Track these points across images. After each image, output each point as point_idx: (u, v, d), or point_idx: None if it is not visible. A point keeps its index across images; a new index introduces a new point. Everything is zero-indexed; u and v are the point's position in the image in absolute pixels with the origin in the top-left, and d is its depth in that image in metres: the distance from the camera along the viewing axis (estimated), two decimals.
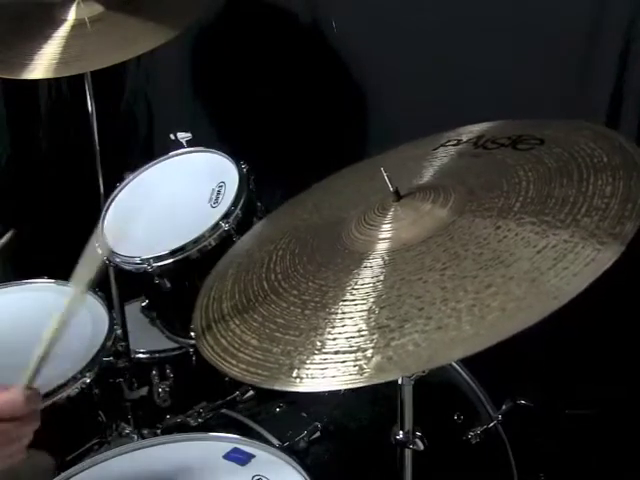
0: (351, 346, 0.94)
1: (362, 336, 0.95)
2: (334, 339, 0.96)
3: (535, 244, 0.95)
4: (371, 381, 0.90)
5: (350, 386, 0.91)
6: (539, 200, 1.02)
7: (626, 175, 1.01)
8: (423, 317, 0.93)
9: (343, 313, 0.99)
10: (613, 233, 0.93)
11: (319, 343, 0.97)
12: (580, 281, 0.89)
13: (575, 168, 1.05)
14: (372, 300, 0.99)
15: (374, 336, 0.94)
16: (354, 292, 1.01)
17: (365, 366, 0.91)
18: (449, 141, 1.25)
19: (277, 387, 0.96)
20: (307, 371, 0.94)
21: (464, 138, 1.24)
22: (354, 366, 0.92)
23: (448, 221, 1.04)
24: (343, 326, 0.97)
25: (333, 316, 0.99)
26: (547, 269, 0.91)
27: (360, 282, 1.02)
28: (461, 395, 1.62)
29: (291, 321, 1.02)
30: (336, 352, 0.94)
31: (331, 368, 0.93)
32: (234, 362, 1.02)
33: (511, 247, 0.96)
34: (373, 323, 0.95)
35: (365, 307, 0.98)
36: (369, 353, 0.92)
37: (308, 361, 0.95)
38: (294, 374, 0.95)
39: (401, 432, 1.20)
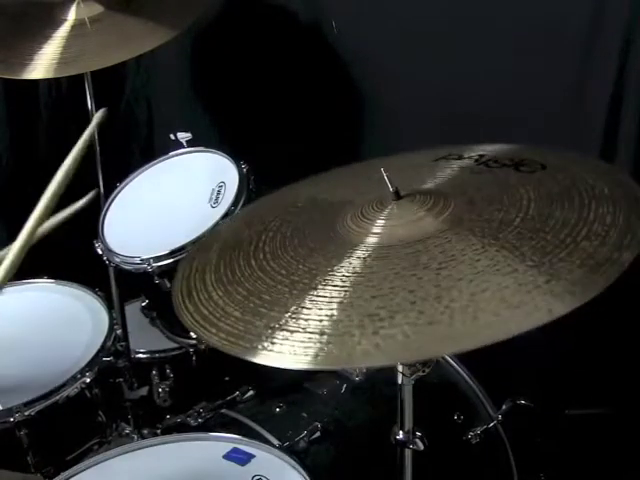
0: (337, 329, 0.95)
1: (350, 321, 0.95)
2: (321, 321, 0.97)
3: (533, 259, 0.96)
4: (355, 364, 0.91)
5: (333, 367, 0.92)
6: (540, 219, 1.03)
7: (627, 208, 1.02)
8: (415, 310, 0.94)
9: (332, 297, 1.00)
10: (611, 258, 0.94)
11: (305, 322, 0.97)
12: (574, 300, 0.90)
13: (577, 195, 1.07)
14: (363, 289, 0.99)
15: (363, 322, 0.94)
16: (344, 279, 1.02)
17: (350, 349, 0.92)
18: (450, 155, 1.26)
19: (257, 360, 0.96)
20: (290, 348, 0.95)
21: (465, 155, 1.25)
22: (339, 348, 0.93)
23: (442, 228, 1.05)
24: (330, 309, 0.98)
25: (322, 299, 1.00)
26: (544, 282, 0.92)
27: (352, 270, 1.03)
28: (461, 395, 1.63)
29: (277, 299, 1.03)
30: (322, 333, 0.95)
31: (315, 347, 0.94)
32: (214, 330, 1.03)
33: (508, 259, 0.97)
34: (362, 310, 0.96)
35: (355, 295, 0.99)
36: (356, 338, 0.93)
37: (291, 338, 0.96)
38: (276, 349, 0.95)
39: (401, 432, 1.20)
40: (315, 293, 1.01)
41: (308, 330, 0.96)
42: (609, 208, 1.03)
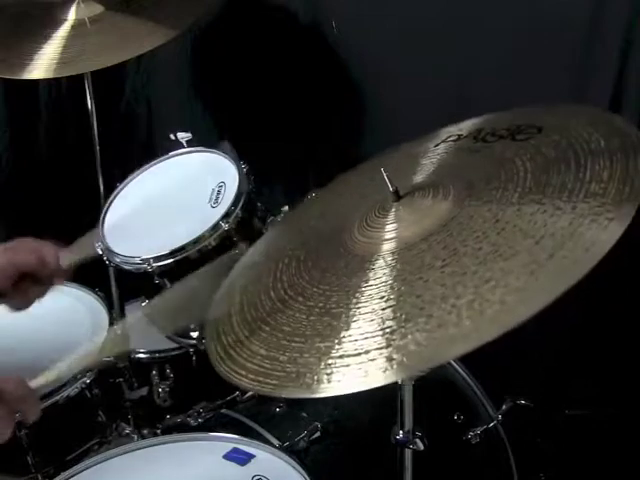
0: (356, 349, 0.94)
1: (366, 339, 0.94)
2: (338, 343, 0.96)
3: (533, 234, 0.95)
4: (374, 384, 0.90)
5: (355, 390, 0.91)
6: (537, 190, 1.01)
7: (624, 158, 1.00)
8: (424, 316, 0.93)
9: (347, 317, 0.99)
10: (611, 217, 0.92)
11: (324, 348, 0.96)
12: (580, 268, 0.88)
13: (572, 155, 1.05)
14: (375, 302, 0.98)
15: (377, 338, 0.94)
16: (357, 295, 1.01)
17: (369, 369, 0.91)
18: (450, 137, 1.25)
19: (285, 395, 0.96)
20: (314, 377, 0.94)
21: (464, 132, 1.24)
22: (359, 369, 0.92)
23: (449, 215, 1.04)
24: (347, 330, 0.97)
25: (336, 321, 0.99)
26: (546, 259, 0.91)
27: (363, 285, 1.02)
28: (461, 395, 1.63)
29: (296, 328, 1.02)
30: (341, 356, 0.94)
31: (336, 373, 0.93)
32: (243, 373, 1.01)
33: (509, 240, 0.96)
34: (376, 325, 0.95)
35: (368, 310, 0.98)
36: (372, 355, 0.92)
37: (313, 366, 0.95)
38: (300, 381, 0.95)
39: (401, 432, 1.20)
40: (330, 316, 1.00)
41: (330, 356, 0.95)
42: (605, 162, 1.00)
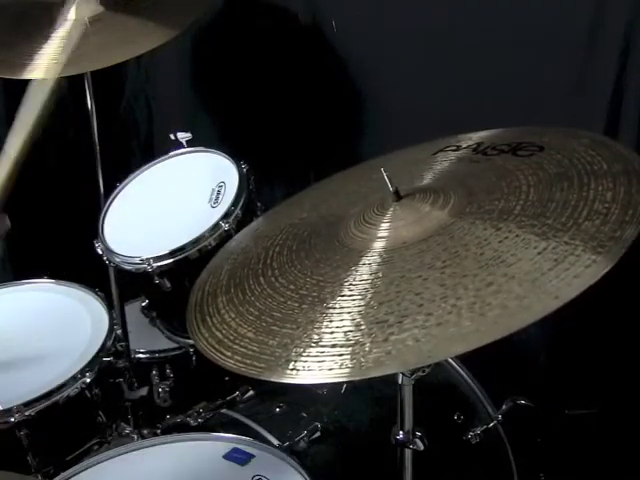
0: (349, 340, 0.95)
1: (360, 330, 0.95)
2: (332, 333, 0.97)
3: (536, 246, 0.96)
4: (369, 374, 0.91)
5: (348, 379, 0.92)
6: (540, 203, 1.03)
7: (627, 182, 1.02)
8: (423, 313, 0.93)
9: (341, 308, 1.00)
10: (614, 237, 0.93)
11: (316, 336, 0.97)
12: (581, 283, 0.89)
13: (575, 174, 1.06)
14: (370, 296, 0.99)
15: (372, 330, 0.94)
16: (352, 288, 1.02)
17: (363, 359, 0.92)
18: (448, 146, 1.26)
19: (273, 379, 0.96)
20: (304, 364, 0.95)
21: (463, 144, 1.25)
22: (352, 359, 0.92)
23: (448, 222, 1.05)
24: (341, 320, 0.98)
25: (331, 310, 1.00)
26: (548, 270, 0.92)
27: (358, 278, 1.03)
28: (461, 395, 1.63)
29: (288, 315, 1.03)
30: (334, 345, 0.95)
31: (328, 361, 0.94)
32: (229, 354, 1.02)
33: (512, 248, 0.97)
34: (372, 318, 0.96)
35: (363, 302, 0.99)
36: (367, 347, 0.93)
37: (305, 354, 0.96)
38: (290, 366, 0.95)
39: (401, 432, 1.20)
40: (324, 305, 1.01)
41: (320, 344, 0.96)
42: (609, 184, 1.02)
